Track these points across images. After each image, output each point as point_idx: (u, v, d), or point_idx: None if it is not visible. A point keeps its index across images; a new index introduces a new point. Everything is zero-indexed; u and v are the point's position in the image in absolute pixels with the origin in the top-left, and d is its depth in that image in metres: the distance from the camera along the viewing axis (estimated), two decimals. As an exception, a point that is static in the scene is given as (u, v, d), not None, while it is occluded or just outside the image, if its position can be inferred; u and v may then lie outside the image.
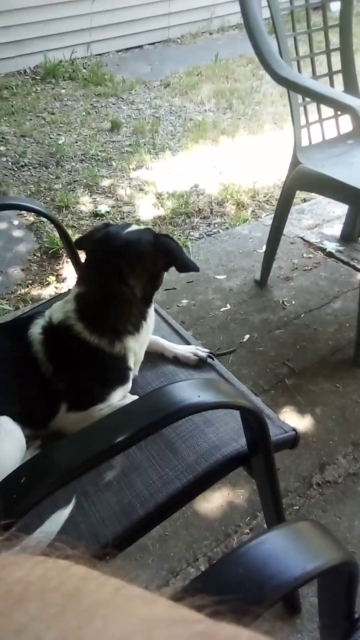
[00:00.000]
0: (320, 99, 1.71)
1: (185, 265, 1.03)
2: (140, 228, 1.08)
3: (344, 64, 2.00)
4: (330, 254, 2.39)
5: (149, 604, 0.23)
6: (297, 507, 1.45)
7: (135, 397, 1.07)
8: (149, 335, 1.12)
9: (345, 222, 2.45)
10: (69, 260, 1.66)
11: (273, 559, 0.51)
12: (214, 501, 1.47)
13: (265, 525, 1.32)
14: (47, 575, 0.23)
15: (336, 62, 1.99)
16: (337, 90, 1.82)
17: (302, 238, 2.51)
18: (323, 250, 2.42)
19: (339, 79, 2.02)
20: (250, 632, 0.21)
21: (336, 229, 2.53)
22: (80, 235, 1.33)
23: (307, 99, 1.89)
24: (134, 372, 1.10)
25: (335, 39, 1.99)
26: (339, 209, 2.64)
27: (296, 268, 2.34)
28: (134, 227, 1.07)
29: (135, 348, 1.07)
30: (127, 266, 1.01)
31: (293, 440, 1.00)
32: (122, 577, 0.24)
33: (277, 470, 0.96)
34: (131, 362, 1.07)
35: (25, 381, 1.02)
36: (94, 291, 1.04)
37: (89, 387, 1.04)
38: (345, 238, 2.45)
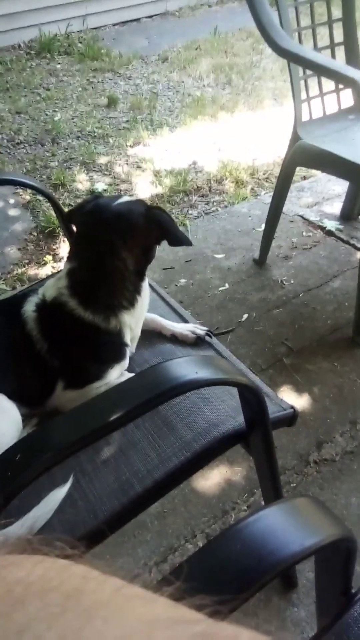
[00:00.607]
0: (322, 71, 1.67)
1: (178, 239, 1.00)
2: (132, 199, 1.05)
3: (346, 36, 1.95)
4: (329, 233, 2.36)
5: (149, 604, 0.23)
6: (294, 485, 1.46)
7: (133, 375, 1.06)
8: (144, 310, 1.10)
9: (345, 200, 2.42)
10: (66, 238, 1.64)
11: (271, 534, 0.51)
12: (211, 479, 1.47)
13: (262, 503, 1.32)
14: (47, 575, 0.23)
15: (338, 35, 1.94)
16: (340, 63, 1.77)
17: (301, 216, 2.48)
18: (323, 228, 2.39)
19: (340, 52, 1.97)
20: (250, 632, 0.21)
21: (336, 207, 2.50)
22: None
23: (308, 73, 1.85)
24: (130, 349, 1.09)
25: (337, 11, 1.94)
26: (339, 187, 2.61)
27: (295, 247, 2.31)
28: (125, 199, 1.04)
29: (131, 323, 1.05)
30: (118, 239, 0.98)
31: (291, 418, 1.00)
32: (122, 577, 0.24)
33: (275, 447, 0.96)
34: (127, 338, 1.06)
35: (21, 359, 1.00)
36: (86, 266, 1.02)
37: (85, 364, 1.03)
38: (345, 216, 2.42)
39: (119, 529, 0.90)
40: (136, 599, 0.23)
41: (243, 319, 1.98)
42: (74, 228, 1.12)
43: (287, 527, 0.53)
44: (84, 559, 0.25)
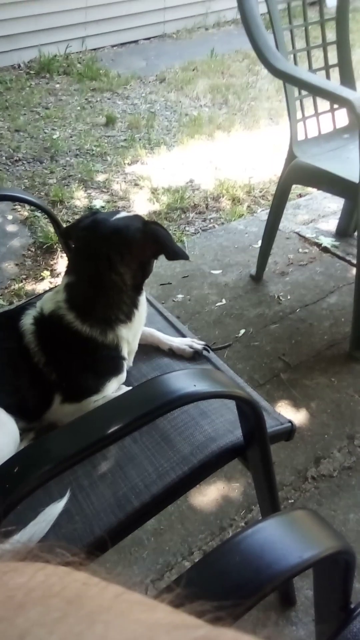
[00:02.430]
0: (317, 91, 1.70)
1: (175, 253, 1.01)
2: (129, 215, 1.06)
3: (340, 58, 1.99)
4: (325, 249, 2.39)
5: (150, 609, 0.23)
6: (292, 501, 1.45)
7: (130, 388, 1.06)
8: (141, 324, 1.11)
9: (341, 217, 2.45)
10: (64, 254, 1.65)
11: (270, 547, 0.50)
12: (209, 495, 1.46)
13: (260, 518, 1.31)
14: (48, 581, 0.23)
15: (332, 57, 1.99)
16: (335, 83, 1.81)
17: (297, 233, 2.51)
18: (319, 245, 2.41)
19: (335, 73, 2.01)
20: (251, 637, 0.21)
21: (332, 224, 2.52)
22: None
23: (304, 93, 1.88)
24: (128, 363, 1.09)
25: (331, 34, 1.99)
26: (335, 204, 2.64)
27: (292, 263, 2.33)
28: (123, 214, 1.06)
29: (129, 337, 1.05)
30: (116, 254, 0.99)
31: (289, 432, 1.00)
32: (123, 583, 0.25)
33: (272, 462, 0.96)
34: (125, 351, 1.06)
35: (18, 373, 1.00)
36: (84, 280, 1.03)
37: (83, 378, 1.03)
38: (341, 233, 2.45)
39: (116, 544, 0.90)
40: (137, 605, 0.23)
41: (240, 335, 1.98)
42: (72, 244, 1.13)
43: (286, 539, 0.53)
44: (85, 566, 0.26)
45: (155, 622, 0.22)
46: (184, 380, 0.71)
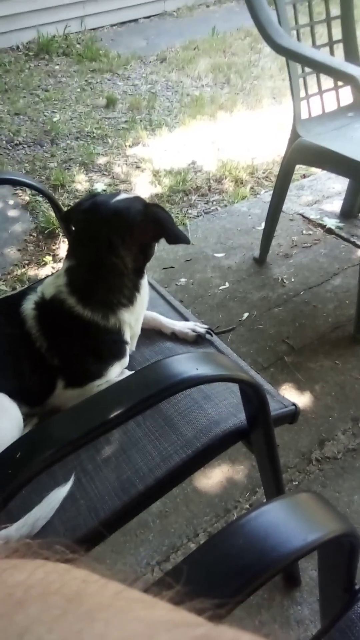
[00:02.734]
0: (321, 68, 1.66)
1: (176, 237, 0.99)
2: (129, 197, 1.04)
3: (344, 34, 1.95)
4: (330, 231, 2.36)
5: (150, 607, 0.23)
6: (297, 483, 1.46)
7: (133, 372, 1.06)
8: (144, 307, 1.10)
9: (345, 198, 2.41)
10: (65, 238, 1.64)
11: (273, 530, 0.50)
12: (213, 477, 1.47)
13: (265, 501, 1.32)
14: (48, 578, 0.23)
15: (336, 32, 1.94)
16: (339, 60, 1.77)
17: (301, 215, 2.48)
18: (323, 226, 2.39)
19: (339, 50, 1.97)
20: (250, 635, 0.21)
21: (336, 206, 2.49)
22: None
23: (307, 70, 1.85)
24: (130, 347, 1.09)
25: (335, 9, 1.94)
26: (339, 185, 2.60)
27: (295, 245, 2.31)
28: (123, 196, 1.03)
29: (131, 321, 1.05)
30: (116, 237, 0.98)
31: (293, 415, 1.00)
32: (122, 580, 0.25)
33: (276, 445, 0.96)
34: (127, 336, 1.05)
35: (21, 358, 1.00)
36: (85, 264, 1.01)
37: (85, 362, 1.02)
38: (345, 214, 2.42)
39: (121, 527, 0.90)
40: (137, 602, 0.23)
41: (244, 318, 1.97)
42: (73, 227, 1.11)
43: (290, 522, 0.52)
44: (85, 563, 0.26)
45: (155, 619, 0.22)
46: (186, 363, 0.70)
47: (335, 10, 1.93)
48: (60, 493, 0.88)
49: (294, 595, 1.24)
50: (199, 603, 0.23)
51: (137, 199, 1.04)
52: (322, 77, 1.89)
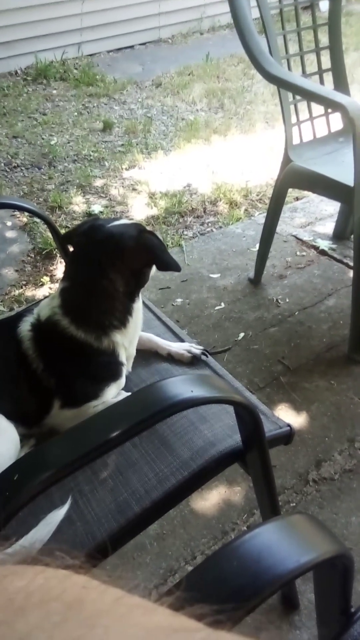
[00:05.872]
0: (311, 96, 1.72)
1: (166, 264, 1.01)
2: (127, 222, 1.07)
3: (333, 63, 2.00)
4: (323, 252, 2.39)
5: (150, 613, 0.23)
6: (294, 504, 1.46)
7: (129, 394, 1.07)
8: (137, 329, 1.11)
9: (338, 220, 2.46)
10: (62, 260, 1.66)
11: (267, 551, 0.51)
12: (210, 499, 1.47)
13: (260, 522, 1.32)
14: (48, 584, 0.23)
15: (325, 61, 2.00)
16: (328, 88, 1.82)
17: (295, 236, 2.52)
18: (316, 248, 2.42)
19: (328, 78, 2.03)
20: None
21: (328, 227, 2.53)
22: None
23: (298, 97, 1.89)
24: (127, 368, 1.10)
25: (324, 39, 2.00)
26: (331, 207, 2.65)
27: (290, 266, 2.34)
28: (122, 221, 1.06)
29: (124, 342, 1.06)
30: (106, 259, 1.00)
31: (288, 436, 1.00)
32: (122, 586, 0.25)
33: (272, 466, 0.96)
34: (122, 357, 1.06)
35: (17, 379, 1.01)
36: (77, 285, 1.03)
37: (81, 383, 1.03)
38: (338, 236, 2.46)
39: (118, 550, 0.90)
40: (136, 608, 0.23)
41: (239, 338, 1.99)
42: (71, 249, 1.14)
43: (283, 543, 0.53)
44: (84, 569, 0.26)
45: (154, 625, 0.22)
46: (181, 386, 0.71)
47: (325, 40, 2.00)
48: (57, 515, 0.88)
49: (292, 619, 1.23)
50: (199, 609, 0.23)
51: (134, 225, 1.07)
52: (313, 103, 1.94)
